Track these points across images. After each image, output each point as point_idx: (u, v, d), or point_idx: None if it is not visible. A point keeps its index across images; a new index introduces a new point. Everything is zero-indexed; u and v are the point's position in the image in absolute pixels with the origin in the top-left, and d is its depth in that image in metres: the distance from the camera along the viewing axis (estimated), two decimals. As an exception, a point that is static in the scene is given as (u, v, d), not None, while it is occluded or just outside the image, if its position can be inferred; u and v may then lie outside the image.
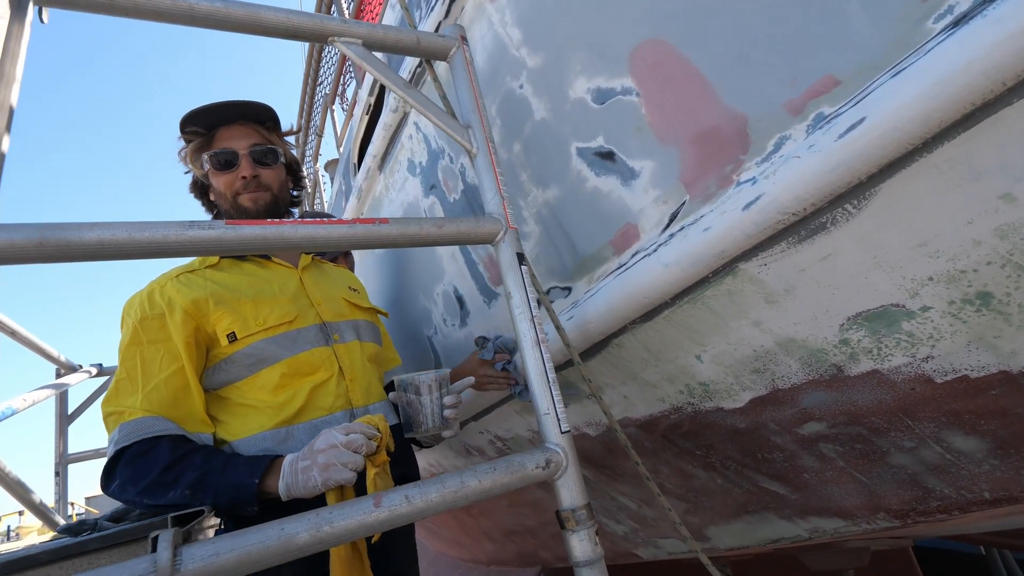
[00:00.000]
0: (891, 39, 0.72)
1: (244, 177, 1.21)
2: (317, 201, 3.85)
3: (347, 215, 2.40)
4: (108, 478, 0.99)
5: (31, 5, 0.82)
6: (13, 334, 2.47)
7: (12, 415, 2.12)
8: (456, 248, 1.69)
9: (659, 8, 0.96)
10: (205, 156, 1.22)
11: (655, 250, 1.05)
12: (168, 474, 0.95)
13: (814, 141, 0.78)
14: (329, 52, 3.37)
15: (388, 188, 2.03)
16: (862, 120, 0.73)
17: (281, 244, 0.85)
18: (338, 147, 3.01)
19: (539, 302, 1.15)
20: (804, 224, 0.87)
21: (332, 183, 3.35)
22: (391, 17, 1.84)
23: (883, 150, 0.73)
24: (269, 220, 0.85)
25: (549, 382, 0.97)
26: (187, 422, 1.04)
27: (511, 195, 1.40)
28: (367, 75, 2.25)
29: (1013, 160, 0.70)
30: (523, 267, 1.04)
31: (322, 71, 3.57)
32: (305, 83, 3.65)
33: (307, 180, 4.04)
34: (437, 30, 1.42)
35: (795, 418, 1.18)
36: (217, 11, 0.95)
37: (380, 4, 2.23)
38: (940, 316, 0.88)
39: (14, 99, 0.70)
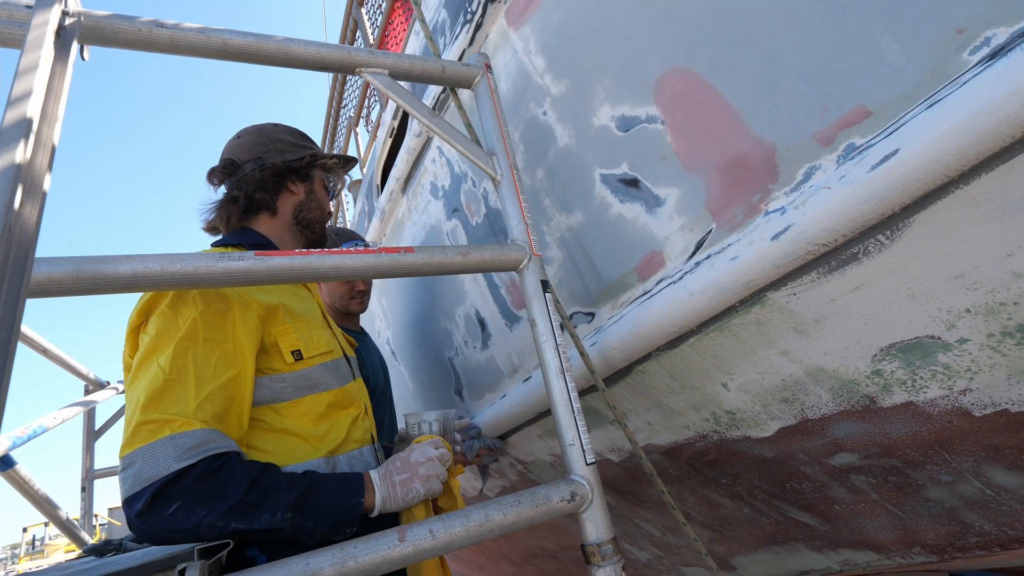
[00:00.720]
0: (925, 70, 0.71)
1: (330, 212, 1.35)
2: (340, 220, 3.90)
3: (369, 236, 2.43)
4: (161, 499, 0.82)
5: (75, 44, 0.85)
6: (45, 352, 2.54)
7: (43, 433, 2.17)
8: (478, 270, 1.70)
9: (686, 37, 0.96)
10: (336, 178, 1.35)
11: (681, 278, 1.04)
12: (253, 494, 0.85)
13: (845, 172, 0.77)
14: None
15: (411, 210, 2.05)
16: (896, 152, 0.71)
17: (309, 275, 0.86)
18: (361, 168, 3.05)
19: (562, 327, 1.14)
20: (835, 254, 0.85)
21: (355, 203, 3.40)
22: (415, 42, 1.87)
23: (918, 182, 0.71)
24: (296, 251, 0.86)
25: (574, 412, 0.96)
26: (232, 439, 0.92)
27: (534, 220, 1.41)
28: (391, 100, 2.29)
29: (1055, 192, 0.68)
30: (547, 295, 1.04)
31: (347, 93, 3.64)
32: (330, 104, 3.72)
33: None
34: (461, 57, 1.44)
35: (826, 449, 1.15)
36: (249, 45, 0.98)
37: (404, 31, 2.28)
38: (978, 349, 0.85)
39: (56, 137, 0.72)
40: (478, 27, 1.37)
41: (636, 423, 1.42)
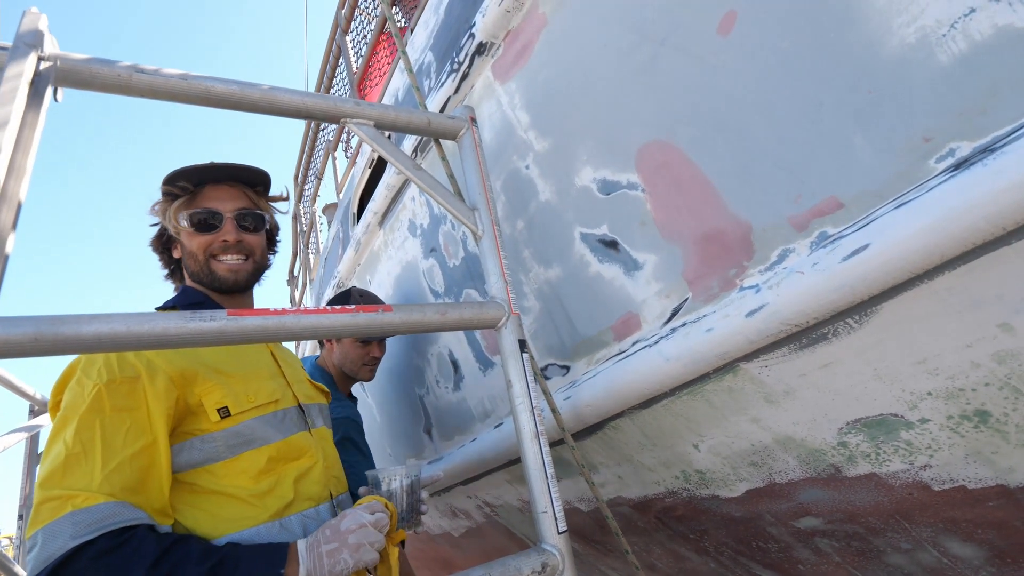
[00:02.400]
0: (893, 171, 0.74)
1: (226, 240, 1.12)
2: (313, 241, 3.84)
3: (343, 265, 2.39)
4: None
5: (49, 87, 0.83)
6: (-12, 373, 2.39)
7: (-18, 463, 2.03)
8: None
9: (668, 113, 0.98)
10: (185, 214, 1.11)
11: (656, 342, 1.06)
12: (160, 569, 0.80)
13: (818, 259, 0.80)
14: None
15: (387, 244, 2.04)
16: (866, 246, 0.74)
17: (283, 335, 0.84)
18: (338, 193, 3.02)
19: (535, 378, 1.13)
20: (806, 333, 0.88)
21: (329, 227, 3.36)
22: (399, 81, 1.87)
23: (886, 276, 0.74)
24: (271, 310, 0.84)
25: (547, 478, 0.95)
26: (148, 511, 0.88)
27: (512, 268, 1.41)
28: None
29: (1011, 293, 0.71)
30: (524, 355, 1.04)
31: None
32: (308, 126, 3.69)
33: (304, 221, 4.04)
34: (446, 105, 1.45)
35: (792, 512, 1.16)
36: (232, 93, 0.96)
37: (388, 64, 2.29)
38: (938, 429, 0.88)
39: (23, 193, 0.69)
40: (464, 76, 1.39)
41: (607, 475, 1.42)
